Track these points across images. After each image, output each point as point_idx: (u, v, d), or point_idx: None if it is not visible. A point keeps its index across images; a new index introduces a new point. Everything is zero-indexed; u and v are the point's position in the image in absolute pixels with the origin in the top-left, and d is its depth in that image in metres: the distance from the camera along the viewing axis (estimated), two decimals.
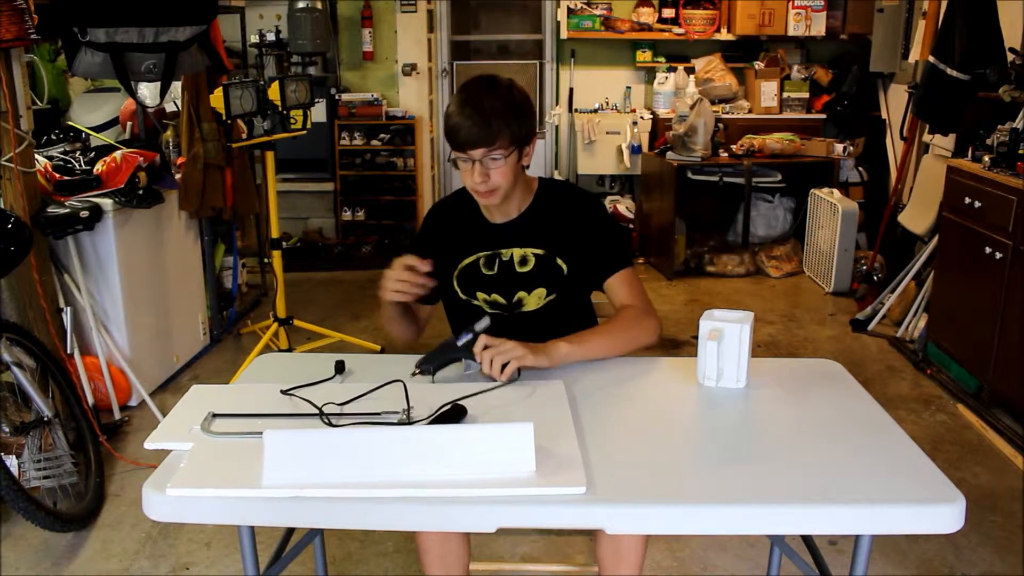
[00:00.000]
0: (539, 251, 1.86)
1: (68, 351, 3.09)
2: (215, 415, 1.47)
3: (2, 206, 2.89)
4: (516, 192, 1.84)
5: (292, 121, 3.88)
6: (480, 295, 1.90)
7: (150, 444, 1.42)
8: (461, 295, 1.90)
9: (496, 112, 1.71)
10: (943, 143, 4.35)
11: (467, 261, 1.89)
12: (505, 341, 1.63)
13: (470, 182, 1.78)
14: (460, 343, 1.66)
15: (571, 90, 6.27)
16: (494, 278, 1.88)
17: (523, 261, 1.87)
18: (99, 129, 4.09)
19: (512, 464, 1.29)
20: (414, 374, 1.65)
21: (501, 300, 1.89)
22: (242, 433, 1.41)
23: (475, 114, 1.70)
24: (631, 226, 5.89)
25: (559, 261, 1.86)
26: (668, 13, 5.99)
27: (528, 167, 1.86)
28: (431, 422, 1.42)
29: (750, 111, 5.90)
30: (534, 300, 1.88)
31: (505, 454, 1.29)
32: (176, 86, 3.80)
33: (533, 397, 1.57)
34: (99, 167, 3.39)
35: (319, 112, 5.68)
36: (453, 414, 1.45)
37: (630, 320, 1.78)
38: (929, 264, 4.18)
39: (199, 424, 1.44)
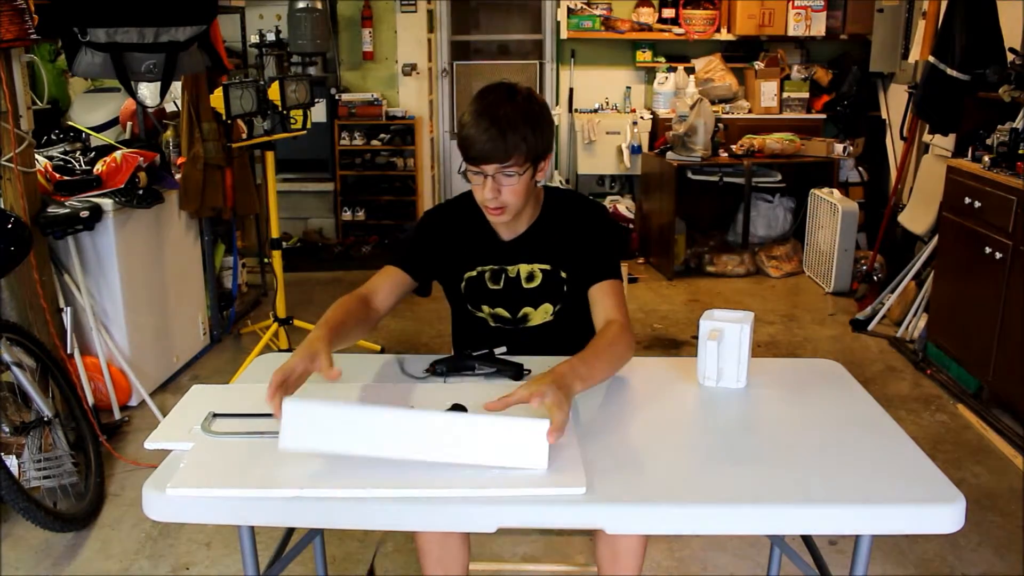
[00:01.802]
0: (546, 267, 1.83)
1: (68, 351, 3.09)
2: (215, 415, 1.47)
3: (2, 206, 2.89)
4: (526, 208, 1.79)
5: (292, 121, 3.88)
6: (485, 308, 1.88)
7: (150, 444, 1.42)
8: (468, 305, 1.89)
9: (513, 125, 1.63)
10: (943, 143, 4.35)
11: (472, 273, 1.86)
12: (558, 398, 1.37)
13: (480, 196, 1.72)
14: (475, 354, 1.70)
15: (571, 90, 6.27)
16: (499, 293, 1.86)
17: (530, 277, 1.84)
18: (99, 129, 4.08)
19: (525, 458, 1.29)
20: (427, 371, 1.68)
21: (506, 315, 1.87)
22: (243, 433, 1.41)
23: (492, 127, 1.62)
24: (631, 226, 5.90)
25: (562, 273, 1.83)
26: (668, 13, 5.99)
27: (540, 182, 1.79)
28: None
29: (750, 111, 5.90)
30: (540, 316, 1.87)
31: (518, 449, 1.29)
32: (176, 86, 3.79)
33: None
34: (99, 167, 3.39)
35: (319, 112, 5.68)
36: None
37: (619, 339, 1.68)
38: (929, 264, 4.18)
39: (199, 424, 1.44)
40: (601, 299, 1.76)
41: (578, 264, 1.82)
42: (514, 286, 1.85)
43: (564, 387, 1.41)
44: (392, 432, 1.28)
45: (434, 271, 1.89)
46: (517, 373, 1.67)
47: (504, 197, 1.69)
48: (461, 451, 1.28)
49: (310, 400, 1.31)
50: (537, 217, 1.84)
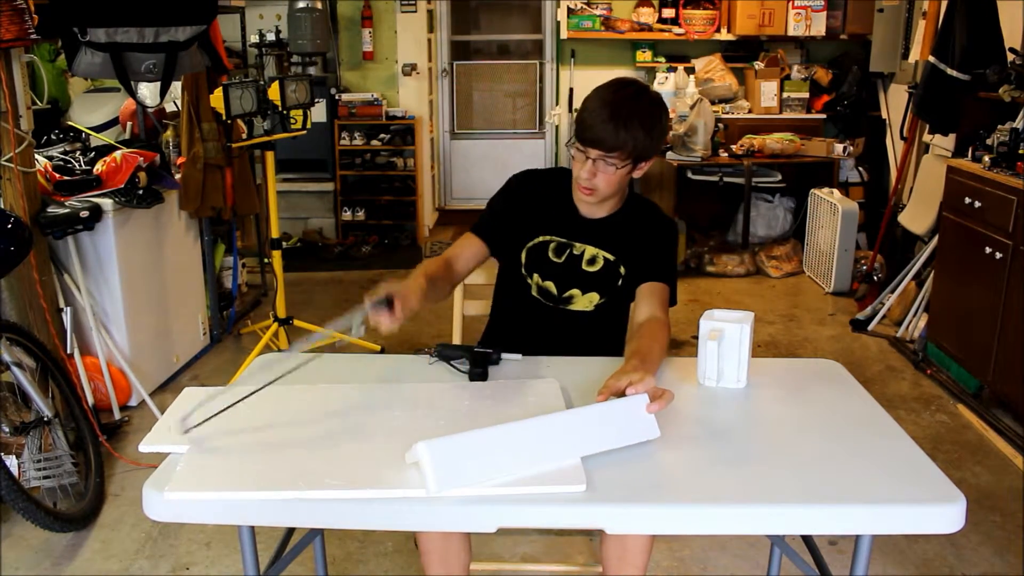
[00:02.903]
0: (610, 256, 1.90)
1: (68, 351, 3.09)
2: (187, 428, 1.43)
3: (2, 206, 2.89)
4: (612, 197, 1.87)
5: (292, 121, 3.88)
6: (536, 277, 1.93)
7: (145, 447, 1.42)
8: (522, 269, 1.93)
9: (628, 124, 1.73)
10: (943, 143, 4.34)
11: (539, 239, 1.92)
12: (642, 376, 1.47)
13: (577, 172, 1.82)
14: (476, 348, 1.73)
15: (571, 90, 6.27)
16: (557, 267, 1.91)
17: (592, 261, 1.90)
18: (99, 129, 4.08)
19: (639, 433, 1.40)
20: (429, 351, 1.75)
21: (553, 291, 1.92)
22: (216, 414, 1.42)
23: (610, 119, 1.72)
24: None
25: (621, 268, 1.89)
26: (668, 13, 5.99)
27: (635, 180, 1.88)
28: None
29: (750, 111, 5.90)
30: (584, 302, 1.92)
31: (630, 426, 1.39)
32: (176, 86, 3.79)
33: (529, 396, 1.57)
34: (99, 167, 3.39)
35: (319, 112, 5.68)
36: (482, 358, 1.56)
37: (664, 336, 1.74)
38: (929, 264, 4.18)
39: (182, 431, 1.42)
40: (650, 296, 1.84)
41: (638, 265, 1.89)
42: (574, 265, 1.91)
43: (645, 369, 1.51)
44: (526, 444, 1.31)
45: (508, 235, 1.94)
46: (481, 375, 1.68)
47: (597, 181, 1.79)
48: (589, 443, 1.35)
49: (442, 438, 1.28)
50: (617, 210, 1.92)
